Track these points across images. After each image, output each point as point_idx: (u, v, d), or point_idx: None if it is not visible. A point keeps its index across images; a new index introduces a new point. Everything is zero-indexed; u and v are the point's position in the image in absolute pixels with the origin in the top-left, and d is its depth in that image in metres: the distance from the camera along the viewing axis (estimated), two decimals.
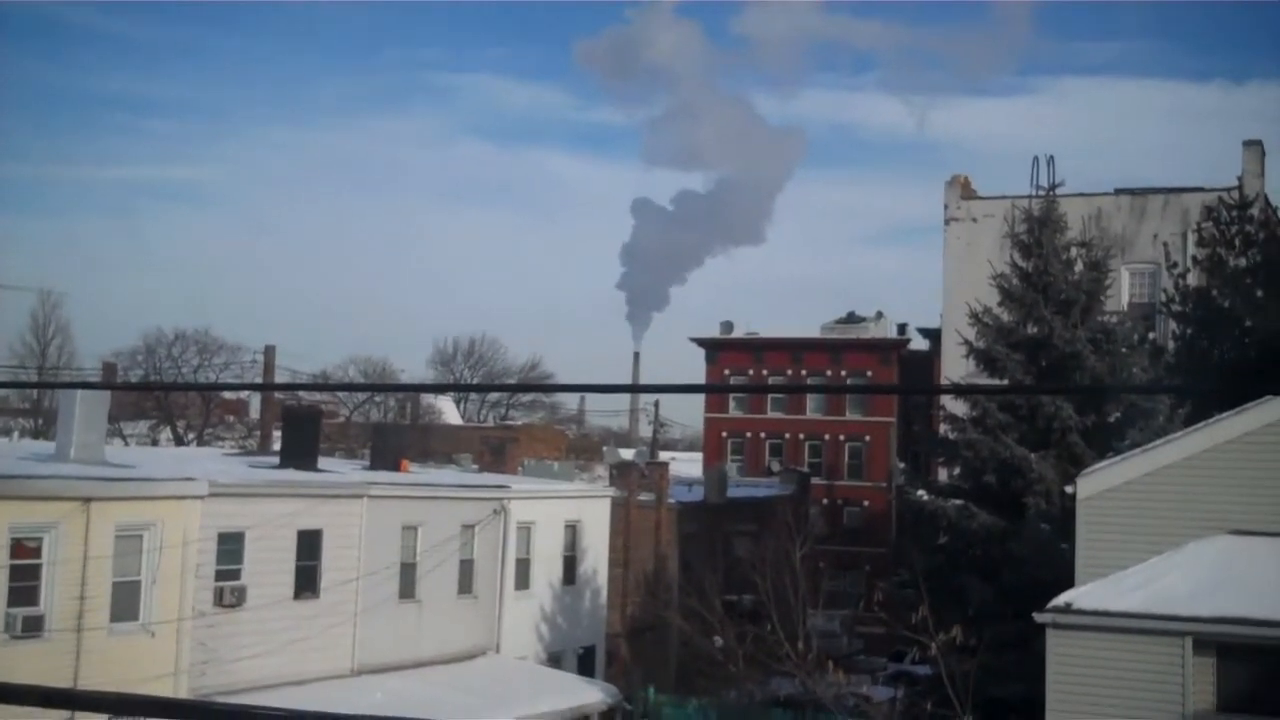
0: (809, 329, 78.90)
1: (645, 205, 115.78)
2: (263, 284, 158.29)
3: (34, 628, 25.05)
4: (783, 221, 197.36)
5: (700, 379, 78.05)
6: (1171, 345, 37.86)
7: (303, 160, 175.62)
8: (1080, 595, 21.68)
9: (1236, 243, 35.86)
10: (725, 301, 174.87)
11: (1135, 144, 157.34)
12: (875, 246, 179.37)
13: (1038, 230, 35.73)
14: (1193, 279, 37.43)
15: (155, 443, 68.93)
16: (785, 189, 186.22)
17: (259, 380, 53.11)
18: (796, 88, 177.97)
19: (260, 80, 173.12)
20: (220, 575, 28.97)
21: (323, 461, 37.17)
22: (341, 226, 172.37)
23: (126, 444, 60.60)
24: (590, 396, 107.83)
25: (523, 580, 39.20)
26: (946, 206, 62.67)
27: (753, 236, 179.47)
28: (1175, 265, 38.76)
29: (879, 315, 78.83)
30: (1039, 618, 21.53)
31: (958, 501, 34.18)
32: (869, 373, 73.90)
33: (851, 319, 78.66)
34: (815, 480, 69.14)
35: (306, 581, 31.21)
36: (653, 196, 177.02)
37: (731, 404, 77.38)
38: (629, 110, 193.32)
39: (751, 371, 76.55)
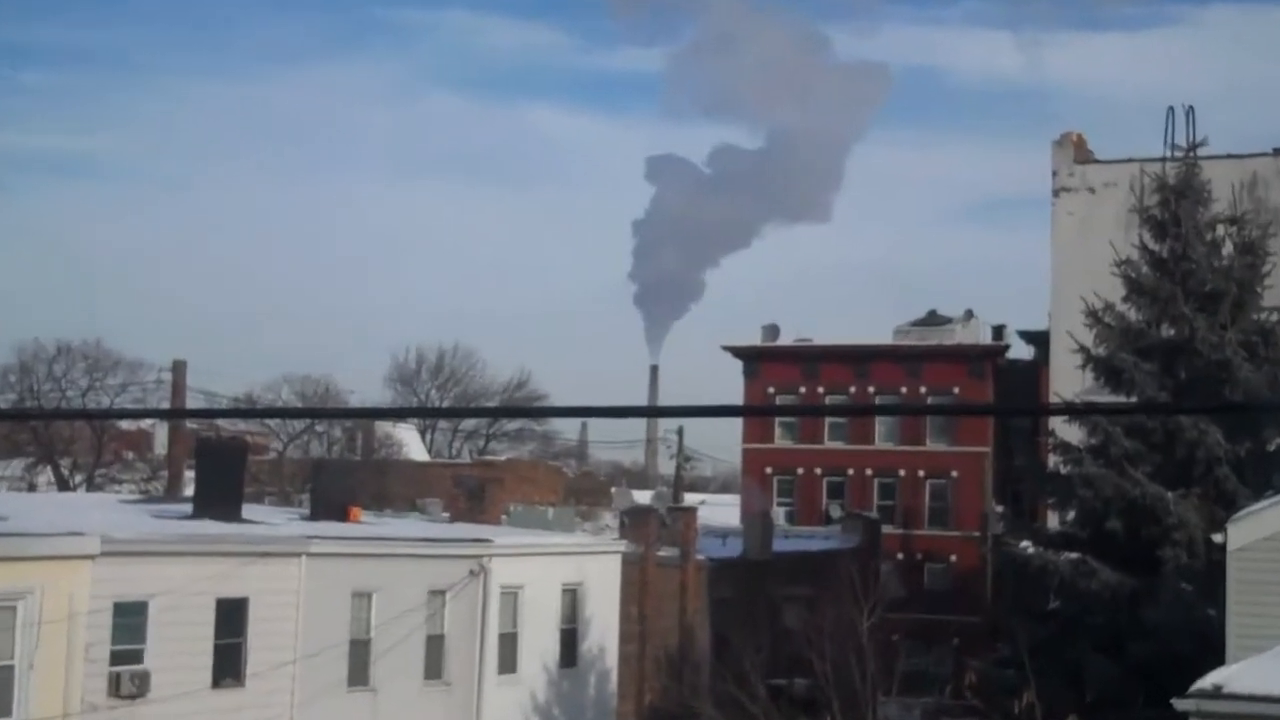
0: (878, 333, 79.06)
1: (668, 166, 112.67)
2: (172, 283, 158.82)
3: None
4: (846, 192, 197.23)
5: (737, 398, 77.54)
6: None
7: (227, 122, 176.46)
8: (1233, 675, 21.48)
9: None
10: (770, 298, 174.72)
11: None
12: (963, 225, 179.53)
13: (1174, 203, 35.79)
14: None
15: (33, 487, 68.82)
16: (854, 149, 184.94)
17: (166, 406, 53.24)
18: (868, 21, 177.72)
19: (174, 20, 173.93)
20: (117, 658, 28.97)
21: (249, 510, 37.52)
22: (276, 206, 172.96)
23: None
24: (594, 423, 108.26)
25: (508, 661, 39.36)
26: (1055, 173, 62.60)
27: (816, 211, 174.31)
28: None
29: (968, 315, 78.35)
30: (1180, 704, 21.38)
31: (1073, 555, 34.23)
32: (956, 389, 73.56)
33: (933, 320, 78.50)
34: (887, 529, 69.28)
35: (228, 665, 31.35)
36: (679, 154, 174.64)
37: (778, 431, 77.38)
38: (646, 48, 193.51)
39: (804, 389, 76.13)
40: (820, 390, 76.33)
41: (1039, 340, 68.95)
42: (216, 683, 31.01)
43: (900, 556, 70.61)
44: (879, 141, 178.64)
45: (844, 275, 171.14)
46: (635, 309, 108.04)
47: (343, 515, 39.31)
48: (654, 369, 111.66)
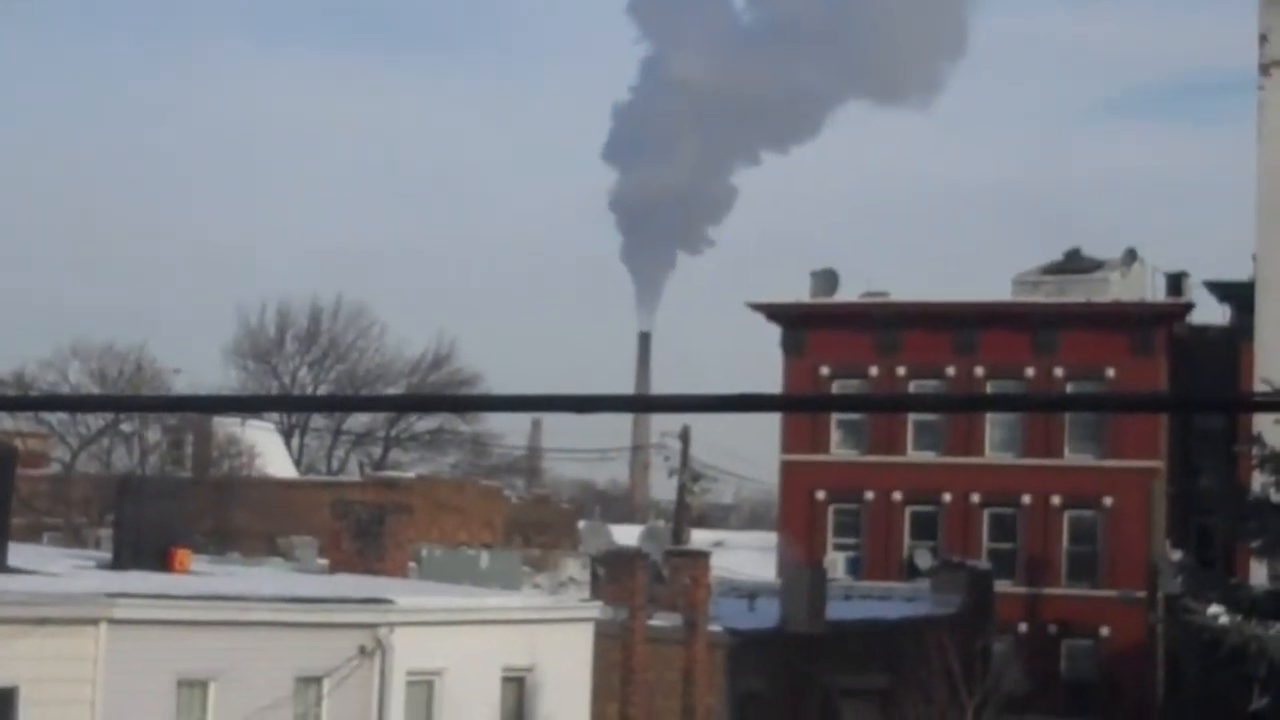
0: (992, 285, 73.97)
1: (674, 8, 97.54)
2: None
3: None
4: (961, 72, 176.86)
5: (774, 383, 72.18)
6: None
7: None
8: None
9: None
10: (827, 228, 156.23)
11: None
12: (1121, 121, 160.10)
13: None
14: None
15: None
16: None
17: None
18: None
19: None
20: None
21: (19, 551, 36.42)
22: (72, 89, 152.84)
23: None
24: (552, 422, 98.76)
25: None
26: (1265, 39, 57.53)
27: (917, 87, 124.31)
28: None
29: (1130, 256, 71.56)
30: None
31: None
32: (1110, 370, 68.22)
33: (1076, 264, 72.34)
34: (1003, 586, 65.09)
35: None
36: None
37: (836, 435, 71.57)
38: None
39: (875, 369, 70.49)
40: (901, 372, 70.49)
41: (1238, 296, 65.77)
42: None
43: (1023, 628, 67.18)
44: None
45: (942, 195, 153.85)
46: (614, 239, 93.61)
47: (163, 562, 37.24)
48: (644, 337, 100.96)
